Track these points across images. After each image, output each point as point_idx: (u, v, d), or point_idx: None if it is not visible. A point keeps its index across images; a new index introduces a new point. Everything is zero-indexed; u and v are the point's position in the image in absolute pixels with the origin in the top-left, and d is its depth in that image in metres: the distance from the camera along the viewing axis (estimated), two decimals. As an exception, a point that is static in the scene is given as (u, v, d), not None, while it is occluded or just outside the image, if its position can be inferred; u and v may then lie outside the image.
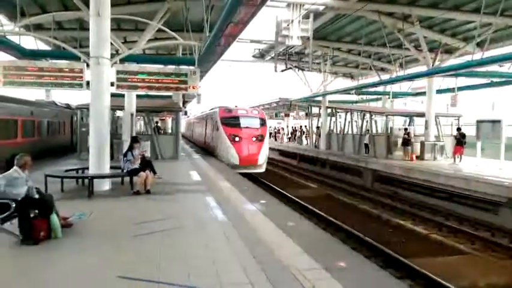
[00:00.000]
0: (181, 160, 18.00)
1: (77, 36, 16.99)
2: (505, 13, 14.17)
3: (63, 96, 25.98)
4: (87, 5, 9.59)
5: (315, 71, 26.52)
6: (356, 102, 31.53)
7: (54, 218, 5.54)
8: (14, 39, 12.63)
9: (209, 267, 4.62)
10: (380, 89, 26.28)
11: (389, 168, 16.95)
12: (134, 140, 10.21)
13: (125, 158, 9.67)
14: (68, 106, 22.78)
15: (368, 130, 22.54)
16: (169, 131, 25.71)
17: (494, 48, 17.63)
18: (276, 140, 42.20)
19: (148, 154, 15.70)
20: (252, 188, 11.23)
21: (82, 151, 15.92)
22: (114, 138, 16.65)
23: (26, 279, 4.25)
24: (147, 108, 18.84)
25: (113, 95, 11.43)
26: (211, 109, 24.62)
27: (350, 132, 24.61)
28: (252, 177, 16.97)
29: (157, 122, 24.88)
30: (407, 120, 23.63)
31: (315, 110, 31.14)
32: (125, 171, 9.66)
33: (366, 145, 21.74)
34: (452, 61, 18.92)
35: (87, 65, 9.58)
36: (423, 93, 22.58)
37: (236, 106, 21.89)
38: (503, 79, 18.58)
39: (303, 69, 25.68)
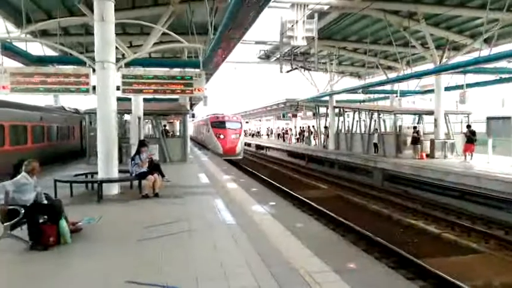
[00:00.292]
0: (189, 162, 18.04)
1: (83, 42, 17.12)
2: (512, 8, 13.98)
3: (72, 101, 26.26)
4: (92, 10, 9.63)
5: (321, 70, 26.39)
6: (363, 101, 31.35)
7: (63, 223, 5.55)
8: (21, 45, 12.74)
9: (217, 270, 4.58)
10: (387, 87, 26.09)
11: (399, 167, 16.78)
12: (141, 143, 10.24)
13: (132, 162, 9.70)
14: (77, 111, 22.93)
15: (376, 129, 22.37)
16: (178, 133, 25.84)
17: (502, 44, 17.41)
18: (284, 140, 42.11)
19: (156, 157, 15.75)
20: (261, 190, 11.18)
21: (91, 156, 15.99)
22: (123, 142, 16.79)
23: (35, 285, 4.25)
24: (154, 111, 18.91)
25: (120, 99, 11.47)
26: (207, 116, 33.30)
27: (358, 131, 24.45)
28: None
29: (165, 125, 24.95)
30: (416, 119, 23.41)
31: (322, 110, 31.01)
32: (133, 175, 9.68)
33: (375, 144, 21.58)
34: (460, 58, 18.68)
35: (93, 70, 9.62)
36: (431, 91, 22.37)
37: (223, 114, 30.47)
38: (512, 75, 18.34)
39: (309, 70, 25.57)
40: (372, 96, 30.75)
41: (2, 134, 12.68)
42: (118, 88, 9.80)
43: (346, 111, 26.36)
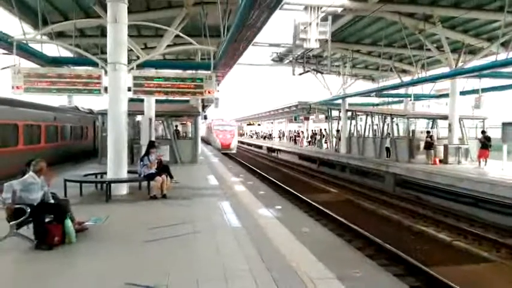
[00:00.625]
0: (200, 164, 18.11)
1: (98, 43, 17.36)
2: (531, 11, 13.66)
3: (86, 102, 26.59)
4: (107, 12, 9.75)
5: (334, 73, 26.24)
6: (377, 105, 31.03)
7: (68, 222, 5.60)
8: (36, 46, 12.97)
9: (218, 273, 4.56)
10: (401, 91, 25.77)
11: (412, 172, 16.52)
12: (151, 145, 10.30)
13: (141, 163, 9.76)
14: (90, 111, 23.22)
15: (389, 133, 22.10)
16: (190, 135, 26.07)
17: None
18: (295, 143, 41.96)
19: (167, 158, 15.86)
20: (269, 193, 11.14)
21: (103, 156, 16.17)
22: (135, 142, 16.96)
23: (38, 284, 4.29)
24: (166, 112, 19.03)
25: (133, 100, 11.58)
26: (211, 120, 42.69)
27: (371, 135, 24.19)
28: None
29: (176, 126, 25.14)
30: (430, 123, 23.06)
31: (334, 113, 30.80)
32: (141, 175, 9.74)
33: (387, 149, 21.32)
34: (476, 62, 18.34)
35: (105, 71, 9.73)
36: (446, 95, 22.01)
37: (222, 119, 41.66)
38: (530, 80, 17.93)
39: (321, 72, 25.44)
40: (385, 99, 30.42)
41: (15, 134, 12.90)
42: (129, 89, 9.89)
43: (358, 115, 26.12)
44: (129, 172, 10.19)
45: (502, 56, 13.60)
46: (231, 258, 5.10)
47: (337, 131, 28.99)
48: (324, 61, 24.92)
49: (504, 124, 15.51)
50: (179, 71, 14.13)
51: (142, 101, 16.11)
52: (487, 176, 13.72)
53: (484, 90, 20.12)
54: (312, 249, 5.51)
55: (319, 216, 12.05)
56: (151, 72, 11.06)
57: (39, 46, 13.11)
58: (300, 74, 24.08)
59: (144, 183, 10.00)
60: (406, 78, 23.79)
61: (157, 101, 17.09)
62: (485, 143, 16.86)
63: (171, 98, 12.68)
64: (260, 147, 50.31)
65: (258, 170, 23.82)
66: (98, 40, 17.05)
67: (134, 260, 5.03)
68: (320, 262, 5.01)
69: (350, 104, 27.40)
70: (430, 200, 14.78)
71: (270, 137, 62.10)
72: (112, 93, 9.61)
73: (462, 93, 20.24)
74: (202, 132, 47.41)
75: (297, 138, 42.98)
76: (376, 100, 30.37)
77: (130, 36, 10.88)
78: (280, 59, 28.51)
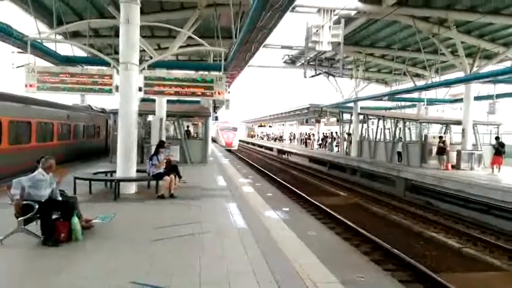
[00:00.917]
0: (209, 164, 18.15)
1: (112, 43, 17.56)
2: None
3: (99, 101, 26.92)
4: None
5: (346, 76, 26.07)
6: (390, 108, 30.70)
7: (75, 220, 5.64)
8: (51, 45, 13.17)
9: (221, 274, 4.54)
10: (415, 95, 25.49)
11: (423, 178, 16.30)
12: (160, 144, 10.36)
13: (150, 162, 9.82)
14: (103, 110, 23.49)
15: (401, 138, 21.86)
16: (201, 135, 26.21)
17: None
18: (306, 146, 41.79)
19: (177, 158, 15.91)
20: (277, 195, 11.10)
21: (114, 154, 16.30)
22: (145, 142, 17.08)
23: (43, 280, 4.33)
24: (177, 113, 19.14)
25: (145, 100, 11.65)
26: (219, 122, 46.86)
27: (382, 139, 23.96)
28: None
29: (187, 126, 25.25)
30: (443, 128, 22.73)
31: (346, 116, 30.59)
32: (150, 175, 9.80)
33: (399, 153, 21.09)
34: (491, 67, 18.04)
35: (117, 71, 9.83)
36: (460, 100, 21.69)
37: (227, 121, 49.13)
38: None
39: (333, 75, 25.29)
40: (398, 103, 30.10)
41: (28, 131, 13.10)
42: (140, 89, 9.97)
43: (370, 118, 25.88)
44: (138, 171, 10.27)
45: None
46: (235, 260, 5.08)
47: (349, 134, 28.77)
48: (336, 64, 24.77)
49: (519, 130, 15.23)
50: (189, 72, 14.18)
51: (154, 101, 16.24)
52: (500, 183, 13.47)
53: (499, 96, 19.80)
54: (317, 253, 5.47)
55: (326, 220, 11.97)
56: (161, 72, 11.13)
57: (53, 45, 13.31)
58: (312, 77, 23.96)
59: (153, 183, 10.06)
60: (420, 83, 23.53)
61: (168, 101, 17.19)
62: (499, 149, 16.57)
63: (181, 98, 12.73)
64: (271, 149, 50.28)
65: (268, 172, 23.79)
66: (111, 40, 17.24)
67: (139, 259, 5.04)
68: (324, 266, 4.96)
69: (362, 108, 27.18)
70: (440, 206, 14.57)
71: (280, 139, 61.98)
72: (123, 93, 9.70)
73: (476, 98, 19.92)
74: (212, 133, 48.46)
75: (307, 141, 42.78)
76: (388, 104, 30.06)
77: (144, 36, 10.98)
78: (292, 62, 28.45)
